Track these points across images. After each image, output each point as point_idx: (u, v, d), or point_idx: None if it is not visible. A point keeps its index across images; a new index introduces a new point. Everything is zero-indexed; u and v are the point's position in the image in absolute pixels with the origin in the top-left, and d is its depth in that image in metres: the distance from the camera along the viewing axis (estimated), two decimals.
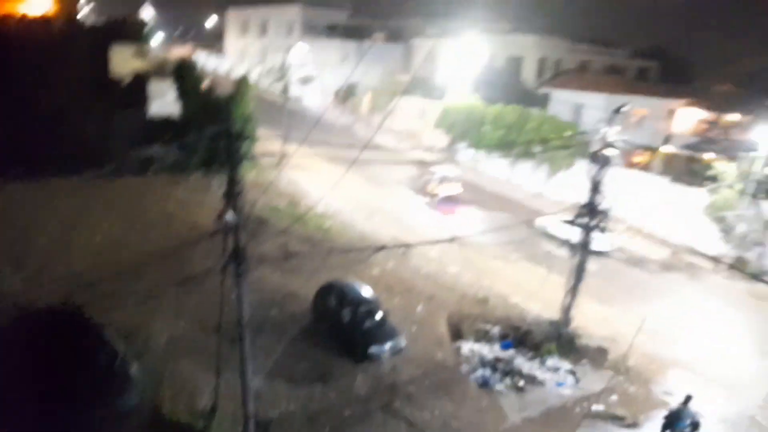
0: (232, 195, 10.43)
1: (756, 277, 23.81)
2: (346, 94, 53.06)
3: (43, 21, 31.17)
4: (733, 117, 33.99)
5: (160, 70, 31.18)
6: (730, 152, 30.57)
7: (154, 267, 17.76)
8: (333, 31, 64.95)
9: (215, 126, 24.24)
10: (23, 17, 30.90)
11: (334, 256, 16.99)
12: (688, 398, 12.73)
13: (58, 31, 29.56)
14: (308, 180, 32.15)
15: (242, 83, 29.70)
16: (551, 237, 24.64)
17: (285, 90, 36.15)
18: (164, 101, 27.61)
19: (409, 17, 65.93)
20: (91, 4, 75.82)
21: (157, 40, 59.54)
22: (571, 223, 16.45)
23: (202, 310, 15.60)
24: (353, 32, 64.44)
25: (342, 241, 22.24)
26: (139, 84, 27.90)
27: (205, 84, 28.94)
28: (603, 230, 16.18)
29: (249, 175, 28.32)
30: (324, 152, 29.27)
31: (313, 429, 12.70)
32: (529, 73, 48.87)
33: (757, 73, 46.65)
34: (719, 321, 20.42)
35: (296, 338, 15.40)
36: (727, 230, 25.51)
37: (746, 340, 19.06)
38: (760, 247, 25.09)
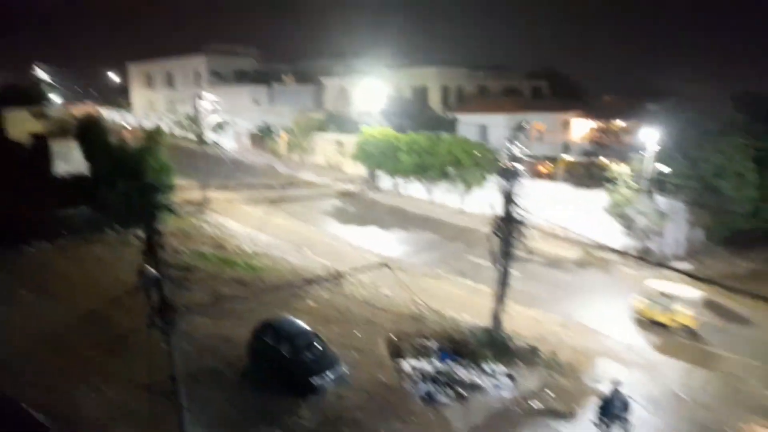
0: (152, 247, 10.25)
1: (660, 264, 26.07)
2: (262, 136, 53.15)
3: None
4: (620, 123, 37.48)
5: (62, 129, 29.90)
6: (622, 154, 33.69)
7: (74, 334, 16.76)
8: (242, 77, 65.23)
9: (128, 180, 23.57)
10: None
11: (266, 294, 16.84)
12: (616, 383, 13.65)
13: None
14: (233, 222, 31.71)
15: (154, 134, 29.01)
16: None
17: (200, 137, 35.78)
18: (70, 160, 26.39)
19: (314, 60, 67.56)
20: None
21: (56, 99, 57.10)
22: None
23: (132, 370, 14.93)
24: (261, 77, 65.05)
25: (273, 277, 22.08)
26: (41, 145, 26.56)
27: (114, 138, 28.05)
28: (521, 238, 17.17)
29: (170, 224, 27.71)
30: (246, 194, 29.12)
31: None
32: (434, 101, 51.48)
33: (634, 83, 52.21)
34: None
35: (235, 383, 15.06)
36: (628, 225, 27.86)
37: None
38: (659, 237, 27.60)
